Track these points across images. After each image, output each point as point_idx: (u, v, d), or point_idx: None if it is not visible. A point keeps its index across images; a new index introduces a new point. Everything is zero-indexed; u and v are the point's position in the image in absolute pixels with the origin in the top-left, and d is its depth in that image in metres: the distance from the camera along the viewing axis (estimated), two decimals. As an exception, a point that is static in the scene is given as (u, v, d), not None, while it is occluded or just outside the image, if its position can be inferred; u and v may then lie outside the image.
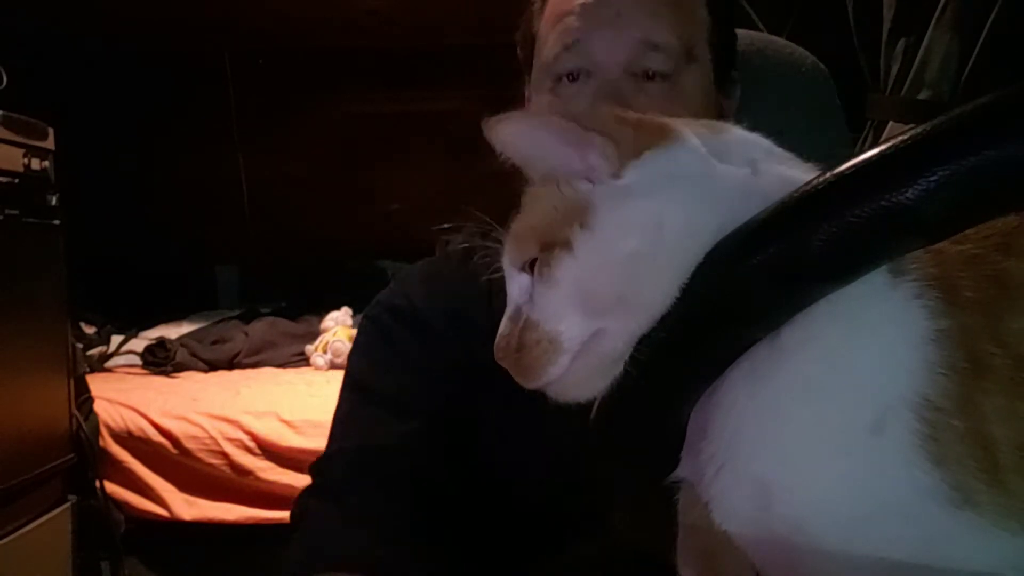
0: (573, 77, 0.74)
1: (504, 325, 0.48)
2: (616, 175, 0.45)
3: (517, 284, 0.48)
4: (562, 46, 0.74)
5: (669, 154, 0.45)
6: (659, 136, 0.46)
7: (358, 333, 0.86)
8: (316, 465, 0.76)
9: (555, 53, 0.75)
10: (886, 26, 1.51)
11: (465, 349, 0.75)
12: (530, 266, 0.47)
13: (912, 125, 0.36)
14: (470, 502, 0.75)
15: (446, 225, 0.81)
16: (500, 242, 0.51)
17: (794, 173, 0.45)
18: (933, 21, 1.40)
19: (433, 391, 0.76)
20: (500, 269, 0.50)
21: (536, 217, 0.47)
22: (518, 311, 0.47)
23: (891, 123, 1.50)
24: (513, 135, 0.47)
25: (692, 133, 0.47)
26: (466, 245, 0.80)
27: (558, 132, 0.46)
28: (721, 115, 0.76)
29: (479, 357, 0.74)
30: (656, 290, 0.43)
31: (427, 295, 0.83)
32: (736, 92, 0.82)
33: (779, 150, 0.48)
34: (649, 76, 0.72)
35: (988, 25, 1.34)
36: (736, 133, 0.49)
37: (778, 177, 0.44)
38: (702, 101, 0.75)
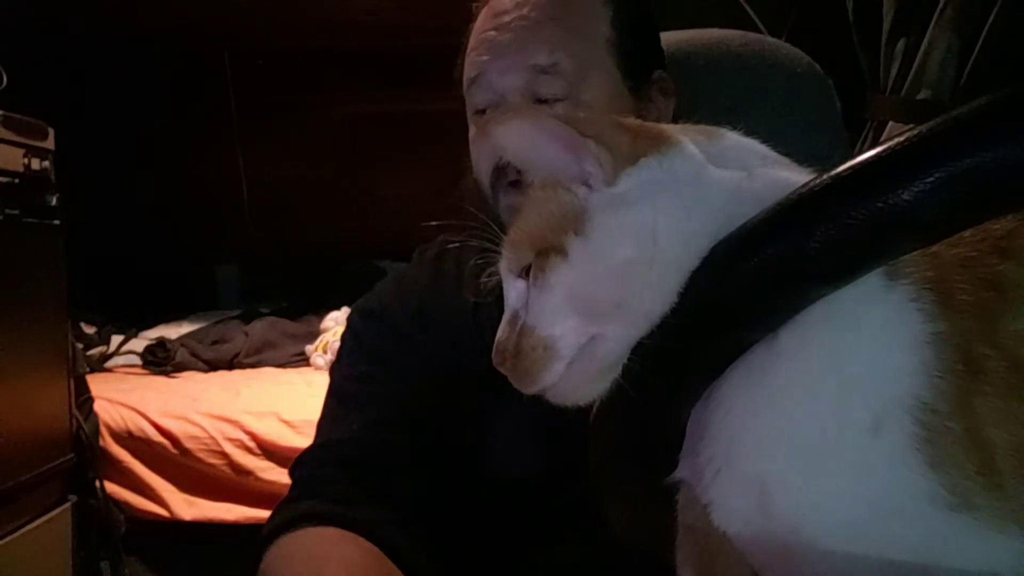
0: (483, 109, 0.77)
1: (501, 330, 0.48)
2: (610, 182, 0.45)
3: (514, 289, 0.48)
4: (469, 81, 0.78)
5: (665, 162, 0.45)
6: (656, 144, 0.46)
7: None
8: (292, 467, 0.80)
9: (466, 87, 0.79)
10: (886, 26, 1.51)
11: (433, 345, 0.80)
12: (526, 271, 0.47)
13: (912, 125, 0.36)
14: (459, 491, 0.76)
15: (435, 222, 0.84)
16: (495, 243, 0.51)
17: (789, 176, 0.45)
18: (933, 21, 1.40)
19: (398, 380, 0.79)
20: (489, 270, 0.50)
21: (532, 222, 0.47)
22: (515, 316, 0.47)
23: (891, 123, 1.50)
24: (511, 137, 0.47)
25: (689, 140, 0.47)
26: (449, 244, 0.86)
27: (556, 136, 0.46)
28: (642, 119, 0.77)
29: (449, 353, 0.76)
30: (653, 295, 0.43)
31: (395, 295, 0.87)
32: (667, 90, 0.82)
33: (774, 154, 0.48)
34: (546, 100, 0.74)
35: (988, 25, 1.33)
36: (731, 138, 0.49)
37: (772, 180, 0.44)
38: (609, 112, 0.75)
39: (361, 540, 0.67)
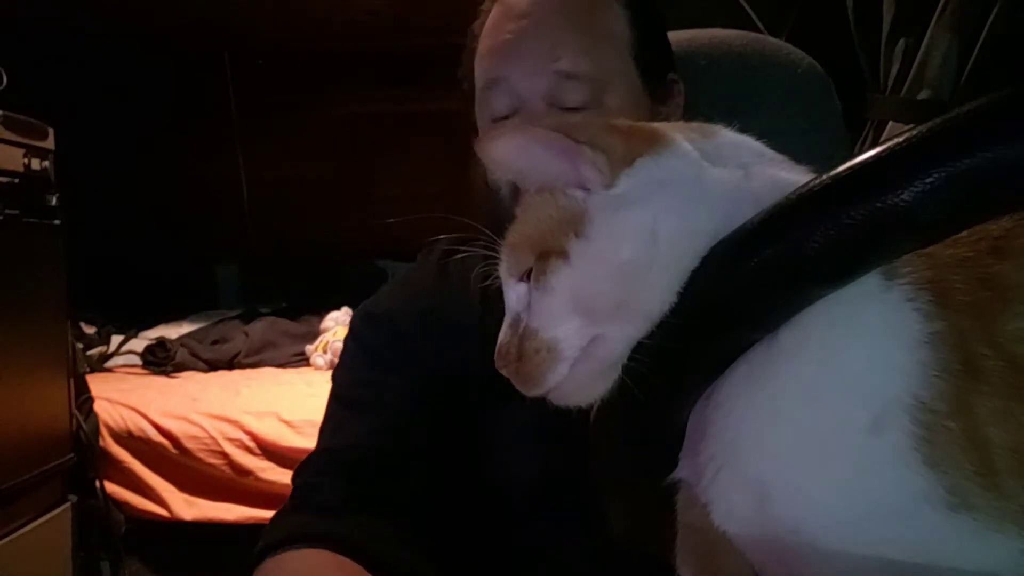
0: (503, 116, 0.74)
1: (503, 334, 0.48)
2: (608, 185, 0.45)
3: (515, 293, 0.48)
4: (486, 83, 0.74)
5: (661, 161, 0.45)
6: (651, 143, 0.46)
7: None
8: (294, 474, 0.78)
9: (482, 91, 0.75)
10: (886, 26, 1.51)
11: (437, 349, 0.78)
12: (527, 275, 0.47)
13: (912, 125, 0.36)
14: (460, 496, 0.76)
15: (440, 237, 0.84)
16: (493, 249, 0.51)
17: (787, 175, 0.45)
18: (933, 21, 1.40)
19: (401, 386, 0.78)
20: (493, 276, 0.50)
21: (531, 226, 0.48)
22: (517, 320, 0.48)
23: (891, 123, 1.50)
24: (505, 152, 0.48)
25: (683, 138, 0.47)
26: (446, 249, 0.85)
27: (549, 145, 0.46)
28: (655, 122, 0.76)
29: (453, 357, 0.76)
30: (653, 295, 0.43)
31: (400, 299, 0.86)
32: (677, 91, 0.81)
33: (771, 152, 0.48)
34: (570, 108, 0.71)
35: (988, 25, 1.33)
36: (726, 136, 0.49)
37: (770, 180, 0.44)
38: (631, 117, 0.74)
39: (348, 564, 0.65)
